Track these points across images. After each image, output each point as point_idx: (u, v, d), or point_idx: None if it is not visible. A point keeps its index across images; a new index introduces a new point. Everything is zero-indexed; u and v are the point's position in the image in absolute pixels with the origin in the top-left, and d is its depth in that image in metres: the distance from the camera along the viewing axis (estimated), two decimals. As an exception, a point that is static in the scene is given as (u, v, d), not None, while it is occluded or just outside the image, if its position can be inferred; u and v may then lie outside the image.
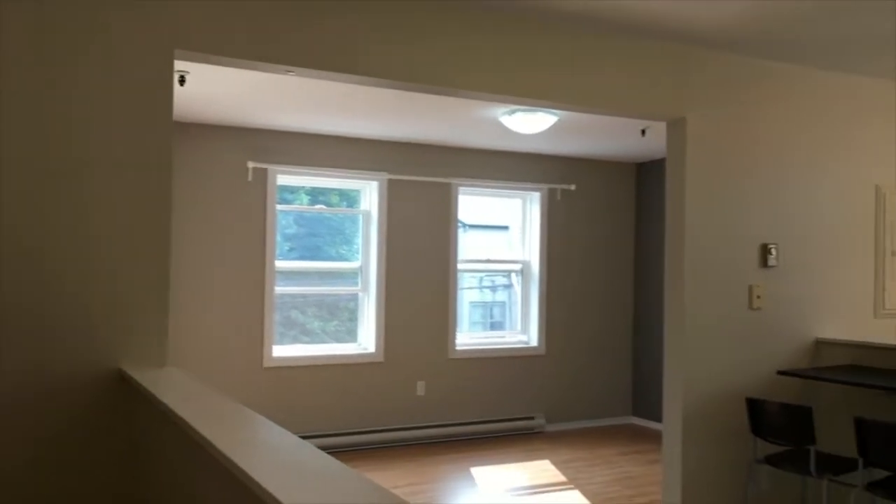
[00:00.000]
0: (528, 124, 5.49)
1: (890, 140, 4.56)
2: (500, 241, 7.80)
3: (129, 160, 2.85)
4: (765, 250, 4.13)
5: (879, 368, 3.95)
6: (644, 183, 7.75)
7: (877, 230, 4.53)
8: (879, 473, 3.39)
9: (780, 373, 3.98)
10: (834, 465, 3.58)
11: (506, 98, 3.62)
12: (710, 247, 4.00)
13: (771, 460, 3.78)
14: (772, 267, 4.14)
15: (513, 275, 7.54)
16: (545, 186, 7.35)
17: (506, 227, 7.78)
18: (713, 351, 3.99)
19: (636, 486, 5.53)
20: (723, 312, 4.02)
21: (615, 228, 7.73)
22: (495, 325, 7.70)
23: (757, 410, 3.80)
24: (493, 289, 7.77)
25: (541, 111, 5.36)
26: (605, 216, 7.68)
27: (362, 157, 6.61)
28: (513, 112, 5.42)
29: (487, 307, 7.83)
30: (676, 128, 4.00)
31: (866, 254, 4.49)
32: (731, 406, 4.00)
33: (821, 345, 4.25)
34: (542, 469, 5.99)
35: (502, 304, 7.77)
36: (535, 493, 5.40)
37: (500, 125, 5.77)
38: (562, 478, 5.76)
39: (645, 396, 7.63)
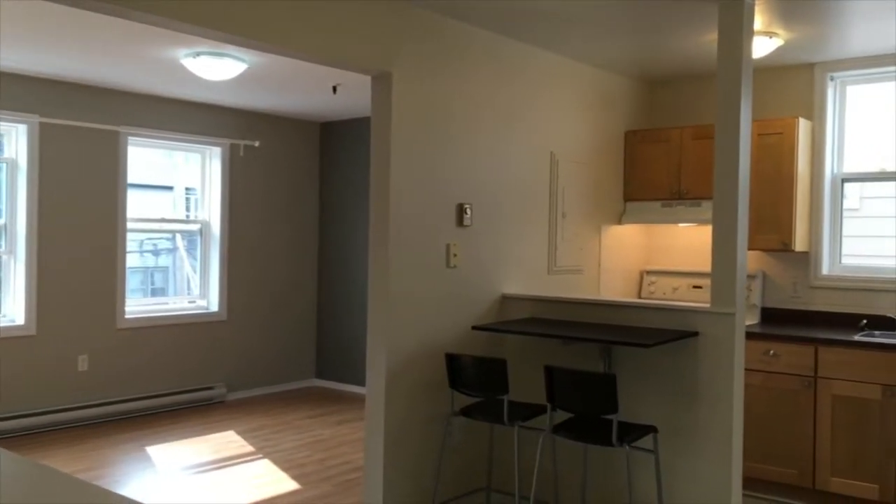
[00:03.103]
0: (215, 70, 5.03)
1: (562, 112, 4.96)
2: (164, 201, 7.14)
3: None
4: (461, 210, 4.24)
5: (555, 320, 4.29)
6: (328, 142, 7.64)
7: (551, 194, 4.91)
8: (562, 416, 3.67)
9: (474, 328, 4.14)
10: (523, 412, 3.81)
11: (192, 28, 3.13)
12: (413, 206, 3.99)
13: (466, 411, 3.92)
14: (467, 226, 4.27)
15: (177, 236, 6.95)
16: (227, 141, 6.88)
17: (170, 188, 7.13)
18: (415, 308, 4.00)
19: (327, 449, 5.46)
20: (424, 271, 4.05)
21: (299, 188, 7.53)
22: (156, 292, 7.05)
23: (454, 365, 3.90)
24: (156, 253, 7.10)
25: (229, 56, 4.94)
26: (289, 175, 7.43)
27: (5, 94, 5.57)
28: (197, 55, 4.92)
29: (148, 272, 7.13)
30: (382, 83, 3.90)
31: (542, 215, 4.85)
32: (433, 362, 4.07)
33: (506, 300, 4.51)
34: (226, 441, 5.65)
35: (164, 269, 7.14)
36: (221, 466, 5.06)
37: (183, 69, 5.22)
38: (249, 448, 5.48)
39: (328, 358, 7.60)
